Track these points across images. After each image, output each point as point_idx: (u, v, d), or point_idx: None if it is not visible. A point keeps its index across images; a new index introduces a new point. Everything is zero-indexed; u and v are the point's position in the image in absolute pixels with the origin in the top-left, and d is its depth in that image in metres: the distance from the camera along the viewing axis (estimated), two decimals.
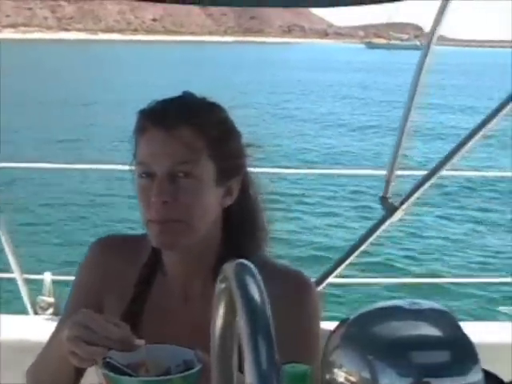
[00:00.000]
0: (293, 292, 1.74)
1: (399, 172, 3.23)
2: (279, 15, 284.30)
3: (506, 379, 1.06)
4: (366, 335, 0.93)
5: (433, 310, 0.95)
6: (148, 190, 1.64)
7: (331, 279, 3.29)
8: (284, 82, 50.77)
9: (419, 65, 3.09)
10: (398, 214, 3.21)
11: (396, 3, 2.92)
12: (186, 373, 1.39)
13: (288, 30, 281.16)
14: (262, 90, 43.65)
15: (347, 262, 3.27)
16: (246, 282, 0.88)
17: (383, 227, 3.25)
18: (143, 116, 1.70)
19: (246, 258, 1.77)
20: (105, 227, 12.53)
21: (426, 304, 0.95)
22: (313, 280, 1.97)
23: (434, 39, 3.00)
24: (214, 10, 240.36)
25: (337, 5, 2.78)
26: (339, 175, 13.68)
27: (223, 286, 0.97)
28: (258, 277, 0.90)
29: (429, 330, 0.92)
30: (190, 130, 1.64)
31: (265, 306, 0.85)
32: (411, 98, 3.13)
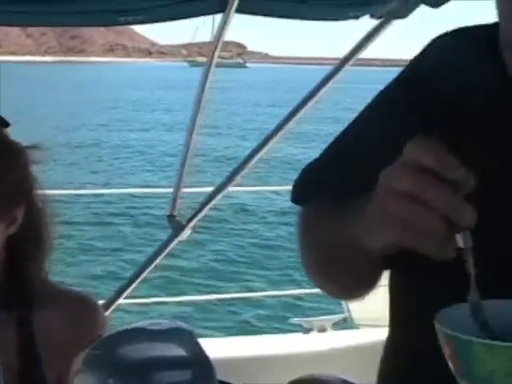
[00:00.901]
0: (77, 315, 1.72)
1: (185, 190, 3.24)
2: (101, 34, 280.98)
3: None
4: (106, 358, 0.93)
5: (173, 330, 0.95)
6: None
7: (121, 300, 3.24)
8: (97, 102, 50.19)
9: (202, 83, 3.09)
10: (186, 232, 3.20)
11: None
12: None
13: (111, 49, 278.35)
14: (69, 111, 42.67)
15: (136, 282, 3.21)
16: None
17: (171, 245, 3.23)
18: None
19: (29, 282, 1.74)
20: None
21: (166, 324, 0.96)
22: (101, 302, 1.95)
23: (215, 57, 3.02)
24: (33, 29, 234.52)
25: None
26: (125, 194, 13.47)
27: None
28: None
29: (168, 350, 0.93)
30: None
31: None
32: (195, 116, 3.12)
